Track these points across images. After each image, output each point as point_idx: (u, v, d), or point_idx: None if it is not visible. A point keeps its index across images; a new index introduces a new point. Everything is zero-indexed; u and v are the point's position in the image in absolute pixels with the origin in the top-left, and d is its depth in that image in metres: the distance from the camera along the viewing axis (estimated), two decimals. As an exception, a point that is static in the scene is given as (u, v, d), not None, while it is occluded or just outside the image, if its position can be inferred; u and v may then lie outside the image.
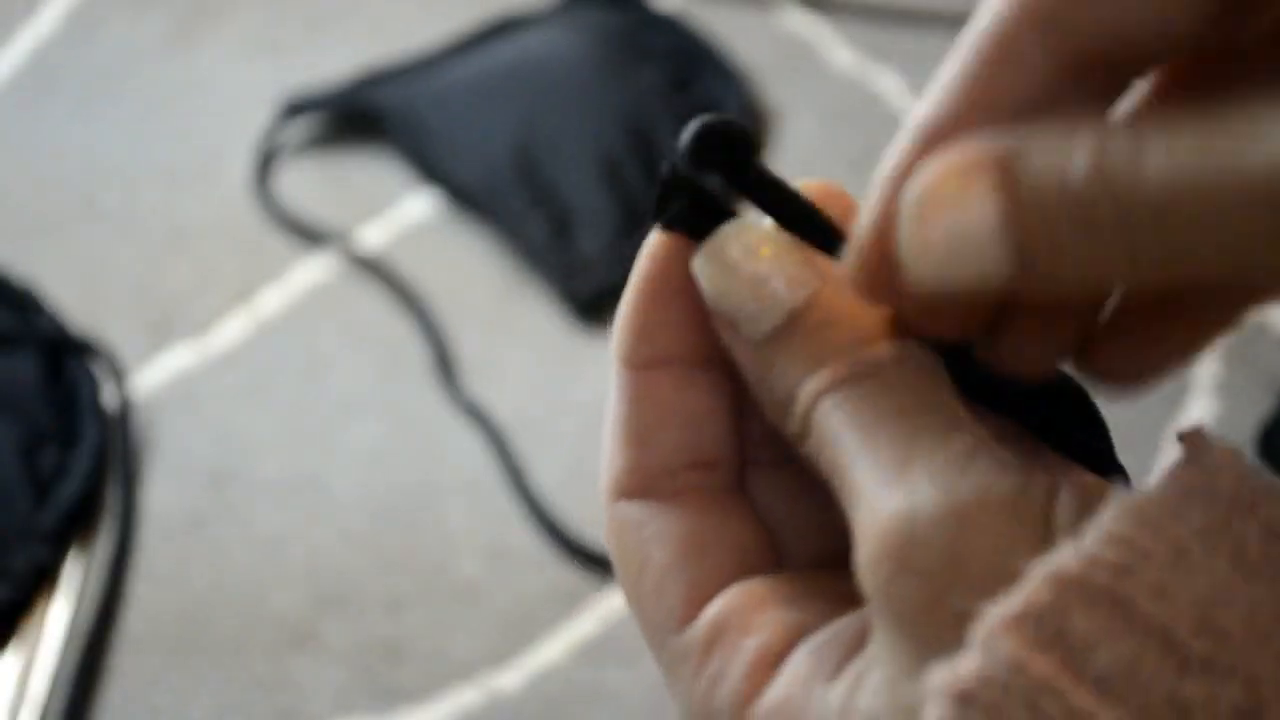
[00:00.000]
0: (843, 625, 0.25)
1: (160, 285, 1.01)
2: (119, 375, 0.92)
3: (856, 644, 0.25)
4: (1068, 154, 0.22)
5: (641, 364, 0.28)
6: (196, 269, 1.02)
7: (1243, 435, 0.88)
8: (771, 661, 0.25)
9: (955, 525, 0.22)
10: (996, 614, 0.21)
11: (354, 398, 0.94)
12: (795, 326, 0.26)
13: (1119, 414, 0.29)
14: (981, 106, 0.24)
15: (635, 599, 0.28)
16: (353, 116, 1.11)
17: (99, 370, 0.92)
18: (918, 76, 1.13)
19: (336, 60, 1.15)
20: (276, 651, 0.81)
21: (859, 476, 0.24)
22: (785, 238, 0.27)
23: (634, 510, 0.28)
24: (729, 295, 0.26)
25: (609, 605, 0.83)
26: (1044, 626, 0.21)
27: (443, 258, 1.02)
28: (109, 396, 0.91)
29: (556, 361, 0.95)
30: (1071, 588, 0.21)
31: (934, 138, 0.24)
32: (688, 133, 0.27)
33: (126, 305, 0.99)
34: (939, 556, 0.22)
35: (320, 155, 1.10)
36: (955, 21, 1.16)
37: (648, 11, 1.17)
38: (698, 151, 0.27)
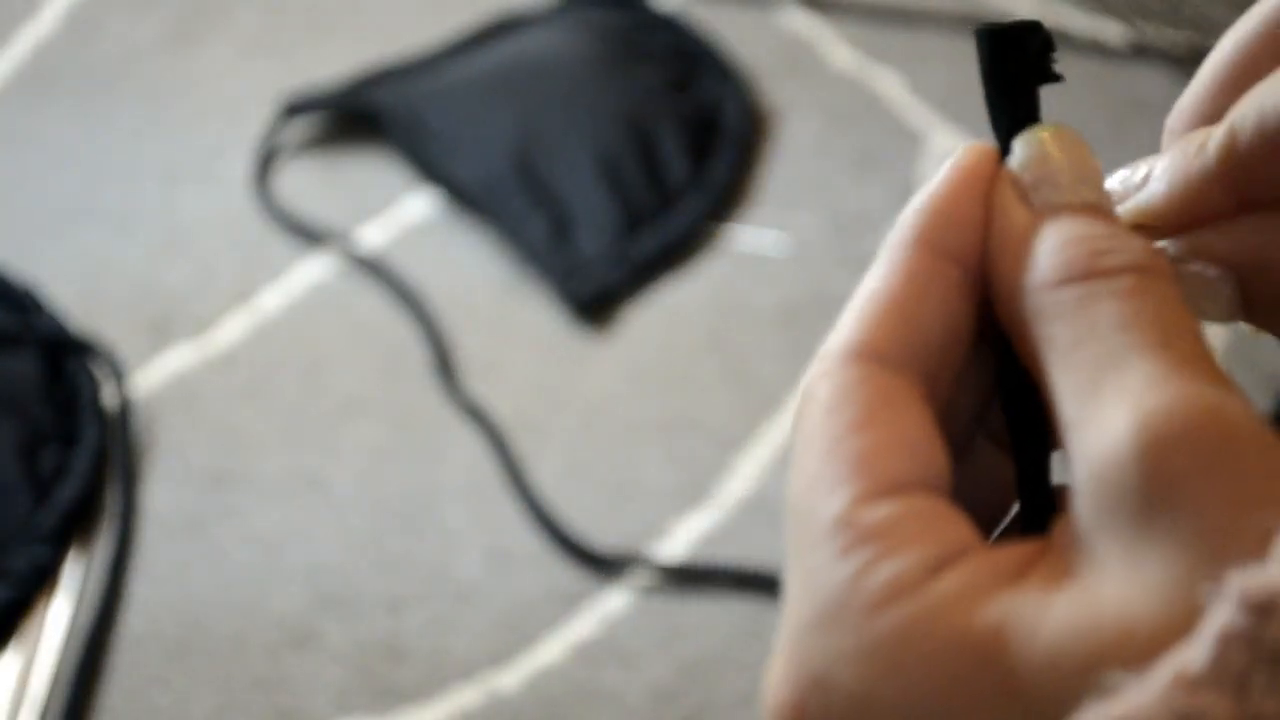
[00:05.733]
0: (1002, 555, 0.24)
1: (160, 285, 1.01)
2: (119, 375, 0.92)
3: (1021, 570, 0.24)
4: None
5: (934, 251, 0.27)
6: (196, 269, 1.02)
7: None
8: (939, 566, 0.24)
9: (1266, 437, 0.22)
10: None
11: (354, 398, 0.94)
12: (1094, 212, 0.27)
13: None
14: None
15: (823, 444, 0.26)
16: (353, 116, 1.11)
17: (99, 370, 0.92)
18: (918, 76, 1.13)
19: (336, 60, 1.15)
20: (276, 651, 0.81)
21: (1138, 358, 0.24)
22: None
23: (878, 370, 0.26)
24: (1056, 158, 0.27)
25: (609, 605, 0.83)
26: None
27: (443, 258, 1.02)
28: (109, 396, 0.91)
29: (556, 361, 0.95)
30: None
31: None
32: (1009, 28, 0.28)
33: (126, 305, 0.99)
34: (1248, 463, 0.22)
35: (320, 155, 1.10)
36: (955, 21, 1.17)
37: (648, 11, 1.17)
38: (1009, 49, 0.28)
